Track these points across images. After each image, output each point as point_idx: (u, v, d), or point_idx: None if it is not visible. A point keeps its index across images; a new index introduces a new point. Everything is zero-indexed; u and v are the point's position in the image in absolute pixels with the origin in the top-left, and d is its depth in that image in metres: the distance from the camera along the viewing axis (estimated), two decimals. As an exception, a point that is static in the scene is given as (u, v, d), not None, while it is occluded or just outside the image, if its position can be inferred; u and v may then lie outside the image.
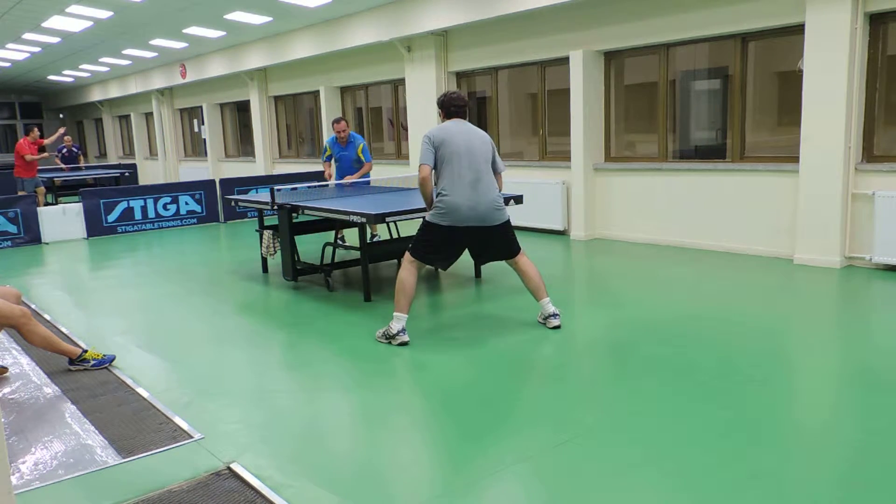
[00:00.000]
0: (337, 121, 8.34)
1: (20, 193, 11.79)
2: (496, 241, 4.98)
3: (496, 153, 5.05)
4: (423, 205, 5.99)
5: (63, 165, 16.86)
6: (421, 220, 6.84)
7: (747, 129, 7.73)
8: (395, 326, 4.82)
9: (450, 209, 4.76)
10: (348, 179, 8.40)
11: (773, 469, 2.95)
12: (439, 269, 7.28)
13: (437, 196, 4.84)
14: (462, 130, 4.90)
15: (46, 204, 12.00)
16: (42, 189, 13.00)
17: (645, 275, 6.89)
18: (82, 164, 17.62)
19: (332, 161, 8.54)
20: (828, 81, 6.56)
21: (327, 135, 13.66)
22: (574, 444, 3.25)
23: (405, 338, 4.80)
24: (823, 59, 6.56)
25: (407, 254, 4.95)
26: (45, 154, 13.11)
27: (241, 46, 14.80)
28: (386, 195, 7.15)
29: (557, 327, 5.04)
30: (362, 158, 8.43)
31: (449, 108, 5.02)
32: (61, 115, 16.18)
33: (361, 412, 3.77)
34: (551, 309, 5.08)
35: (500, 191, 5.00)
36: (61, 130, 14.65)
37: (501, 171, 5.09)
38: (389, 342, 4.83)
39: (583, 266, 7.69)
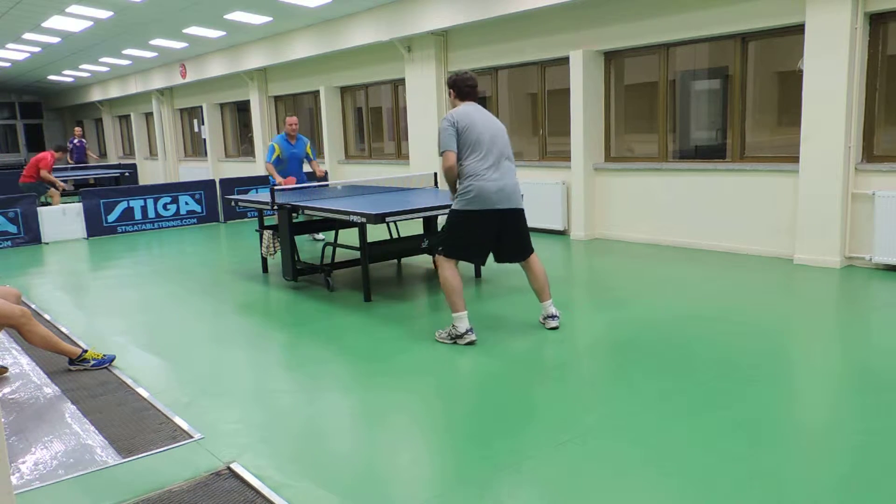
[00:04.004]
0: (291, 115, 8.57)
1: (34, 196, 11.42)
2: (517, 231, 4.89)
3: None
4: (422, 205, 6.01)
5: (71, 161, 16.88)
6: (422, 220, 6.86)
7: (747, 128, 7.73)
8: (461, 326, 4.73)
9: (479, 193, 4.65)
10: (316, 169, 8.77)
11: (774, 469, 2.95)
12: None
13: (462, 182, 4.71)
14: (482, 115, 4.81)
15: (46, 204, 11.93)
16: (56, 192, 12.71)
17: (645, 275, 6.89)
18: (96, 157, 17.56)
19: (277, 163, 8.57)
20: (828, 81, 6.56)
21: (328, 135, 13.68)
22: (574, 444, 3.25)
23: (473, 336, 4.72)
24: (823, 58, 6.56)
25: (441, 256, 4.81)
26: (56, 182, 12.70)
27: (241, 46, 14.80)
28: (386, 195, 7.15)
29: (555, 328, 5.03)
30: (311, 155, 8.70)
31: (462, 87, 4.87)
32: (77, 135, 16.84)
33: (361, 412, 3.77)
34: (552, 310, 5.07)
35: None
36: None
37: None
38: (455, 342, 4.75)
39: (583, 266, 7.69)
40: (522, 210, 4.93)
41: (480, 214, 4.71)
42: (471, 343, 4.73)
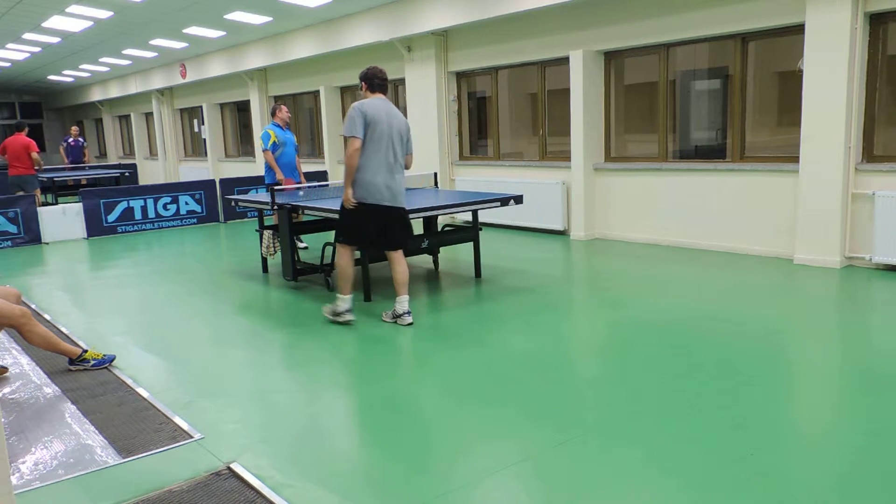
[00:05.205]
0: (281, 106, 8.74)
1: (18, 194, 11.35)
2: (399, 225, 5.31)
3: (410, 135, 5.37)
4: (422, 205, 6.02)
5: (66, 162, 16.83)
6: (422, 220, 6.84)
7: (747, 129, 7.73)
8: (342, 306, 5.30)
9: (370, 187, 5.07)
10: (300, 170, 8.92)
11: (774, 469, 2.95)
12: (438, 268, 7.29)
13: (357, 173, 5.07)
14: (388, 112, 5.14)
15: (45, 204, 11.89)
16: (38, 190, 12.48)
17: (645, 275, 6.89)
18: (87, 158, 17.50)
19: (275, 149, 8.57)
20: (828, 81, 6.56)
21: (328, 135, 13.68)
22: (574, 444, 3.25)
23: (350, 317, 5.28)
24: (823, 59, 6.56)
25: (338, 244, 5.30)
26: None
27: (241, 46, 14.80)
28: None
29: (410, 324, 5.26)
30: (297, 142, 8.93)
31: (373, 80, 5.22)
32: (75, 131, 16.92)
33: (361, 412, 3.77)
34: (407, 307, 5.30)
35: (409, 167, 5.40)
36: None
37: (412, 152, 5.42)
38: (335, 318, 5.31)
39: (583, 266, 7.69)
40: (404, 208, 5.36)
41: (369, 207, 5.13)
42: (347, 323, 5.25)
